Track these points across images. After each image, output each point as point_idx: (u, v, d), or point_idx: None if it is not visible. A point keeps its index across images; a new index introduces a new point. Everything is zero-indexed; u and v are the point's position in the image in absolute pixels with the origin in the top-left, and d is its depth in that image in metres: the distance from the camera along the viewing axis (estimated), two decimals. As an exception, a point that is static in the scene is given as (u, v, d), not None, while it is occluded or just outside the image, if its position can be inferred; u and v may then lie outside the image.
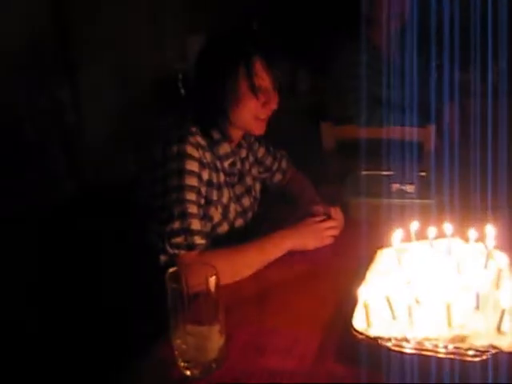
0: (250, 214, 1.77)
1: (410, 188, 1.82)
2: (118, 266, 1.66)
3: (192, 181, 1.46)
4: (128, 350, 1.20)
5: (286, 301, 1.30)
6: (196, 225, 1.43)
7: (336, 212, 1.66)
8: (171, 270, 1.05)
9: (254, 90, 1.53)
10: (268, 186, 1.97)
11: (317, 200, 1.78)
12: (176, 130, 1.54)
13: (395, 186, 1.83)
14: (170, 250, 1.39)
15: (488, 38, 2.02)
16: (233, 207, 1.66)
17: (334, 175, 2.28)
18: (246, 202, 1.75)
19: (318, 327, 1.17)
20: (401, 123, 2.43)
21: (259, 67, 1.53)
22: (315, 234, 1.56)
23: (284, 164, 1.98)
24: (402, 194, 1.81)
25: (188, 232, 1.40)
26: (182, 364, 1.05)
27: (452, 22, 2.10)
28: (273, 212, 1.88)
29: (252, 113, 1.56)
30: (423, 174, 1.95)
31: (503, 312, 1.00)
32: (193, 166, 1.48)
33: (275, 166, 1.95)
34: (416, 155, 2.05)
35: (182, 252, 1.39)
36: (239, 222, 1.70)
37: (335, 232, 1.60)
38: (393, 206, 1.70)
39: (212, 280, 1.02)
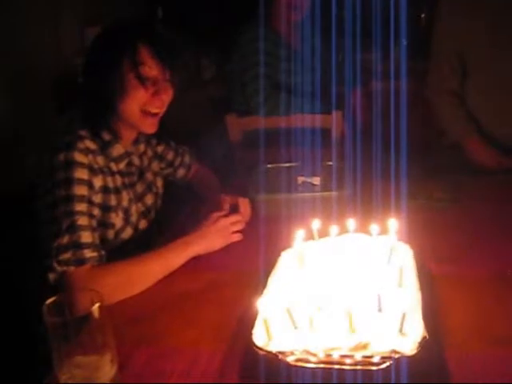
0: (153, 213, 1.69)
1: (315, 180, 1.78)
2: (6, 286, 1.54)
3: (81, 190, 1.36)
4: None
5: (185, 316, 1.22)
6: (86, 237, 1.33)
7: (244, 204, 1.63)
8: (48, 301, 0.95)
9: (141, 80, 1.43)
10: (171, 181, 1.89)
11: (221, 195, 1.71)
12: (63, 135, 1.43)
13: (300, 179, 1.79)
14: (58, 268, 1.29)
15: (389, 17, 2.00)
16: (134, 209, 1.58)
17: (241, 168, 2.23)
18: (149, 199, 1.67)
19: (221, 344, 1.10)
20: (306, 111, 2.40)
21: (146, 56, 1.44)
22: (220, 233, 1.50)
23: (187, 159, 1.91)
24: (308, 186, 1.78)
25: (77, 246, 1.30)
26: (72, 400, 0.96)
27: (354, 3, 2.07)
28: (178, 209, 1.81)
29: (140, 105, 1.46)
30: (329, 163, 1.92)
31: (404, 314, 0.96)
32: (82, 173, 1.38)
33: (177, 161, 1.88)
34: (322, 144, 2.03)
35: (72, 268, 1.29)
36: (143, 224, 1.62)
37: (241, 226, 1.55)
38: (298, 199, 1.66)
39: (96, 308, 0.93)
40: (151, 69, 1.45)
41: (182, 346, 1.12)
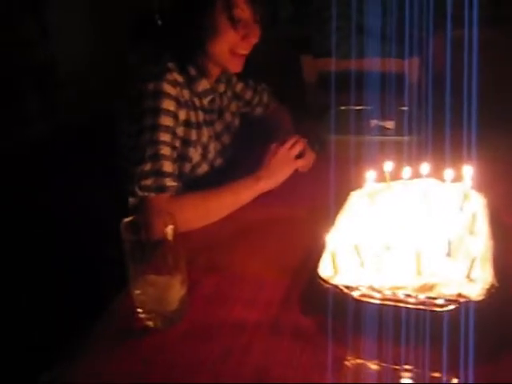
0: (229, 152, 1.71)
1: (389, 124, 1.76)
2: (86, 209, 1.61)
3: (167, 121, 1.39)
4: (97, 299, 1.15)
5: (254, 246, 1.26)
6: (168, 167, 1.36)
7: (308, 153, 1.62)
8: (126, 219, 0.99)
9: (234, 22, 1.44)
10: (249, 120, 1.90)
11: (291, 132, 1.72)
12: (152, 66, 1.46)
13: (374, 122, 1.77)
14: (140, 193, 1.33)
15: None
16: (212, 146, 1.60)
17: (314, 109, 2.22)
18: (226, 139, 1.69)
19: (286, 275, 1.13)
20: (384, 55, 2.34)
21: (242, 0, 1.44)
22: (282, 162, 1.50)
23: (265, 98, 1.92)
24: (381, 130, 1.75)
25: (159, 174, 1.34)
26: (143, 315, 1.02)
27: None
28: (253, 150, 1.82)
29: (230, 46, 1.48)
30: (404, 108, 1.89)
31: (473, 259, 0.95)
32: (169, 104, 1.40)
33: (256, 100, 1.88)
34: (397, 89, 1.98)
35: (152, 195, 1.33)
36: (219, 162, 1.65)
37: (300, 147, 1.55)
38: (370, 142, 1.64)
39: (170, 229, 0.97)
40: (243, 11, 1.45)
41: (248, 275, 1.15)
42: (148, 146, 1.36)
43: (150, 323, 1.02)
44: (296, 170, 1.54)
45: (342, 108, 1.91)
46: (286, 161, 1.51)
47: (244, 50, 1.50)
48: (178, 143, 1.44)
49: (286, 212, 1.40)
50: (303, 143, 1.56)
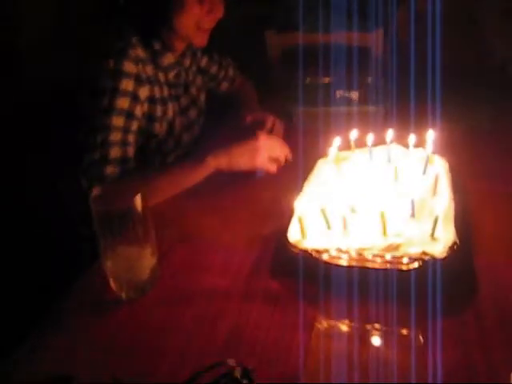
0: (196, 127, 1.71)
1: (354, 95, 1.78)
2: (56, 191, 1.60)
3: (124, 103, 1.38)
4: (61, 278, 1.16)
5: (224, 215, 1.27)
6: (115, 152, 1.35)
7: (274, 122, 1.61)
8: (94, 192, 0.99)
9: None
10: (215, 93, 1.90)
11: (258, 110, 1.72)
12: (115, 41, 1.44)
13: (339, 93, 1.79)
14: (85, 184, 1.33)
15: None
16: (178, 121, 1.59)
17: (280, 84, 2.22)
18: (192, 114, 1.68)
19: (256, 242, 1.15)
20: (347, 28, 2.35)
21: None
22: (254, 153, 1.37)
23: (231, 72, 1.92)
24: (346, 100, 1.77)
25: (104, 161, 1.34)
26: (114, 286, 1.02)
27: None
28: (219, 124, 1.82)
29: (195, 21, 1.47)
30: (368, 80, 1.91)
31: (436, 219, 0.98)
32: (128, 84, 1.39)
33: (221, 75, 1.88)
34: (362, 61, 2.00)
35: (95, 184, 1.28)
36: (186, 137, 1.64)
37: (283, 155, 1.42)
38: (336, 113, 1.67)
39: (137, 199, 0.97)
40: None
41: (218, 245, 1.17)
42: (99, 131, 1.35)
43: (123, 294, 1.02)
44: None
45: (308, 81, 1.92)
46: (260, 155, 1.38)
47: (209, 24, 1.50)
48: (135, 125, 1.41)
49: (255, 182, 1.41)
50: (285, 156, 1.44)
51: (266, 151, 1.38)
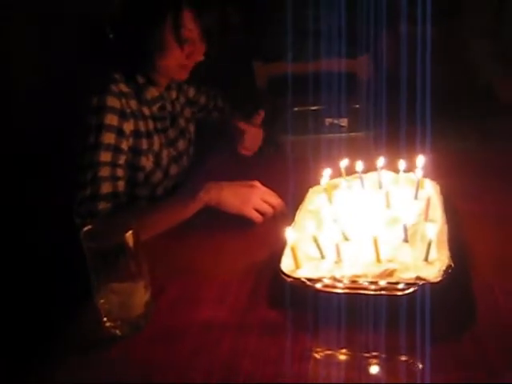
0: (185, 158, 1.72)
1: (342, 122, 1.80)
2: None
3: (109, 138, 1.39)
4: (55, 317, 1.14)
5: (216, 248, 1.27)
6: (106, 188, 1.36)
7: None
8: (85, 228, 0.99)
9: (180, 42, 1.46)
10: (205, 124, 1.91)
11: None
12: (98, 77, 1.46)
13: (328, 121, 1.81)
14: (78, 221, 1.32)
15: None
16: (165, 153, 1.60)
17: (267, 114, 2.24)
18: (181, 145, 1.69)
19: (251, 274, 1.14)
20: (332, 55, 2.38)
21: (188, 19, 1.46)
22: (245, 198, 1.34)
23: (220, 102, 1.94)
24: (335, 128, 1.79)
25: (95, 198, 1.34)
26: (108, 324, 1.01)
27: None
28: (208, 156, 1.83)
29: (177, 62, 1.50)
30: (357, 106, 1.93)
31: (430, 243, 0.98)
32: (112, 119, 1.40)
33: (211, 105, 1.91)
34: (348, 88, 2.02)
35: (88, 221, 1.30)
36: (174, 169, 1.64)
37: (268, 211, 1.36)
38: (325, 141, 1.68)
39: (129, 235, 0.97)
40: (191, 32, 1.47)
41: (213, 278, 1.16)
42: (88, 168, 1.35)
43: (117, 331, 1.01)
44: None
45: (296, 109, 1.95)
46: (250, 202, 1.34)
47: (189, 65, 1.53)
48: (122, 159, 1.42)
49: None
50: (273, 211, 1.37)
51: (257, 201, 1.35)
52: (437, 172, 1.34)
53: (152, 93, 1.56)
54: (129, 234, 0.97)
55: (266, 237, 1.26)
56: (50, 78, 2.33)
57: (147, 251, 1.02)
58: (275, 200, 1.37)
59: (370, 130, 1.68)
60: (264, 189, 1.38)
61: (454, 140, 1.73)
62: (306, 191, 1.34)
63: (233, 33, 3.21)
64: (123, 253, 0.98)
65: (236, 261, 1.21)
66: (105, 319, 1.01)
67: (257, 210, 1.35)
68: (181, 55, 1.48)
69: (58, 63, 2.40)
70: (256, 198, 1.35)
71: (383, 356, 0.92)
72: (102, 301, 1.00)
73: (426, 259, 0.99)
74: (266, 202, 1.36)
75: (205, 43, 1.52)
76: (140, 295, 1.01)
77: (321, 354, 0.94)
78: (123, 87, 1.47)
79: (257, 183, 1.38)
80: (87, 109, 1.40)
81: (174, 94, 1.70)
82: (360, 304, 0.96)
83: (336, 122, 1.79)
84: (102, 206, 1.34)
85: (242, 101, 2.21)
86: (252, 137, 1.77)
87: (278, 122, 1.86)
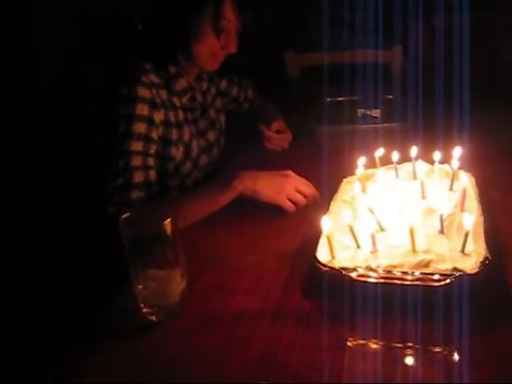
0: (215, 149, 1.73)
1: (375, 112, 1.79)
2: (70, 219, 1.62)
3: (140, 127, 1.40)
4: (92, 301, 1.17)
5: (252, 237, 1.28)
6: (139, 177, 1.38)
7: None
8: (124, 215, 1.00)
9: (217, 31, 1.48)
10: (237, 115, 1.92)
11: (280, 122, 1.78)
12: (129, 68, 1.47)
13: (360, 111, 1.81)
14: (111, 210, 1.34)
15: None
16: (195, 144, 1.61)
17: (300, 104, 2.24)
18: (211, 136, 1.70)
19: (284, 263, 1.15)
20: (367, 46, 2.37)
21: (228, 9, 1.47)
22: (279, 188, 1.36)
23: (250, 93, 1.94)
24: (368, 118, 1.78)
25: (128, 187, 1.36)
26: (145, 310, 1.03)
27: None
28: (239, 147, 1.84)
29: (210, 50, 1.51)
30: (390, 96, 1.92)
31: (467, 234, 0.98)
32: (143, 109, 1.41)
33: (242, 96, 1.91)
34: (382, 78, 2.01)
35: (122, 209, 1.32)
36: (204, 159, 1.66)
37: (301, 199, 1.38)
38: (359, 131, 1.67)
39: (167, 223, 0.98)
40: (229, 22, 1.48)
41: (247, 267, 1.17)
42: (120, 157, 1.37)
43: (153, 317, 1.03)
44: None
45: (329, 100, 1.94)
46: (283, 191, 1.36)
47: (222, 55, 1.54)
48: (153, 148, 1.44)
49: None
50: (306, 199, 1.39)
51: (291, 190, 1.37)
52: (472, 163, 1.33)
53: (182, 83, 1.57)
54: (167, 222, 0.98)
55: (300, 226, 1.27)
56: (79, 69, 2.35)
57: (183, 239, 1.03)
58: (309, 190, 1.38)
59: (403, 121, 1.67)
60: (298, 178, 1.39)
61: (489, 132, 1.70)
62: (340, 181, 1.34)
63: (266, 25, 3.23)
64: (161, 241, 0.99)
65: (270, 250, 1.22)
66: (142, 305, 1.03)
67: (290, 200, 1.36)
68: (216, 45, 1.49)
69: (88, 54, 2.43)
70: (290, 188, 1.36)
71: (419, 347, 0.92)
72: (140, 287, 1.02)
73: (463, 251, 0.98)
74: (299, 191, 1.37)
75: (239, 35, 1.53)
76: (176, 283, 1.03)
77: (355, 344, 0.95)
78: (153, 78, 1.48)
79: (290, 173, 1.39)
80: (118, 99, 1.41)
81: (205, 85, 1.70)
82: (396, 294, 0.96)
83: (369, 112, 1.78)
84: (136, 195, 1.36)
85: (272, 91, 2.22)
86: (277, 141, 1.78)
87: (312, 112, 1.85)
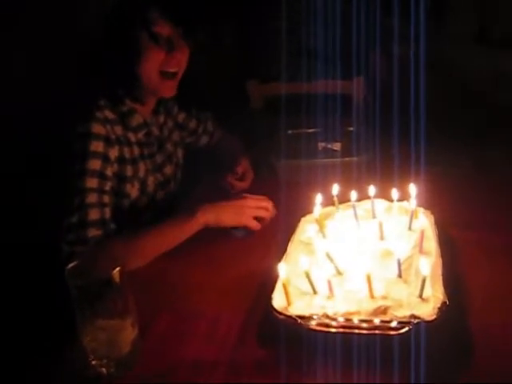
0: (172, 184, 1.69)
1: (335, 146, 1.78)
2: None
3: (95, 164, 1.37)
4: (39, 356, 1.12)
5: (207, 279, 1.24)
6: (94, 214, 1.34)
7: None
8: (71, 265, 0.96)
9: (154, 38, 1.43)
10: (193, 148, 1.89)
11: (244, 165, 1.74)
12: (83, 105, 1.45)
13: (321, 145, 1.79)
14: (66, 248, 1.30)
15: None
16: (151, 180, 1.58)
17: (262, 135, 2.22)
18: (168, 170, 1.67)
19: (241, 308, 1.11)
20: (327, 76, 2.38)
21: (156, 15, 1.44)
22: (239, 210, 1.41)
23: (210, 126, 1.91)
24: (329, 152, 1.77)
25: (84, 225, 1.32)
26: (95, 362, 0.98)
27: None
28: (197, 180, 1.81)
29: (157, 66, 1.46)
30: (350, 129, 1.92)
31: (424, 279, 0.96)
32: (98, 146, 1.39)
33: (200, 129, 1.88)
34: (343, 109, 2.01)
35: (78, 248, 1.29)
36: (160, 194, 1.63)
37: (265, 215, 1.44)
38: (319, 165, 1.66)
39: (116, 272, 0.94)
40: (163, 27, 1.44)
41: (202, 310, 1.13)
42: (75, 194, 1.34)
43: (103, 370, 0.98)
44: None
45: (290, 132, 1.93)
46: (244, 213, 1.42)
47: (172, 67, 1.48)
48: (108, 185, 1.41)
49: (239, 242, 1.39)
50: (269, 213, 1.45)
51: (252, 210, 1.43)
52: (431, 198, 1.32)
53: (138, 119, 1.54)
54: (116, 272, 0.94)
55: (255, 267, 1.23)
56: (37, 104, 2.30)
57: (133, 284, 0.99)
58: (268, 204, 1.45)
59: (363, 155, 1.66)
60: (254, 197, 1.46)
61: (447, 164, 1.71)
62: (299, 219, 1.32)
63: (228, 49, 3.21)
64: (110, 289, 0.95)
65: (225, 294, 1.18)
66: (91, 357, 0.98)
67: (254, 218, 1.42)
68: (159, 54, 1.45)
69: (45, 89, 2.37)
70: (250, 207, 1.43)
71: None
72: (88, 338, 0.97)
73: (421, 296, 0.96)
74: (259, 207, 1.43)
75: (186, 44, 1.49)
76: (128, 332, 0.98)
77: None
78: (108, 113, 1.45)
79: (246, 194, 1.47)
80: (73, 135, 1.38)
81: (161, 119, 1.67)
82: (353, 342, 0.93)
83: (329, 146, 1.77)
84: (92, 233, 1.32)
85: (234, 121, 2.20)
86: (242, 186, 1.73)
87: (272, 145, 1.84)
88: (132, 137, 1.52)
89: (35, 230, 1.68)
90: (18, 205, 1.82)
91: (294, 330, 0.96)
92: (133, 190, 1.51)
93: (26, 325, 1.49)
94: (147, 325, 1.07)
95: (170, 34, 1.45)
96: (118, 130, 1.47)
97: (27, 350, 1.39)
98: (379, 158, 1.61)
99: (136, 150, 1.53)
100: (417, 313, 0.93)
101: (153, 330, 1.08)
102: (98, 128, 1.39)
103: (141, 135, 1.55)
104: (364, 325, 0.93)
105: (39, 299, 1.49)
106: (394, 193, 1.28)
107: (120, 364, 0.98)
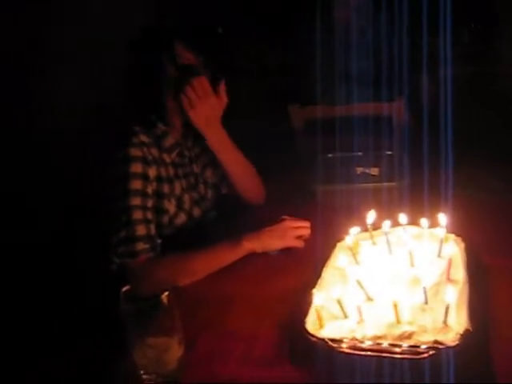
0: (207, 202, 1.82)
1: (374, 171, 1.84)
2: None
3: (137, 184, 1.51)
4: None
5: (246, 300, 1.33)
6: (141, 230, 1.48)
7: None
8: (124, 289, 1.06)
9: (180, 69, 1.59)
10: None
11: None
12: (121, 132, 1.60)
13: (359, 170, 1.85)
14: (116, 260, 1.46)
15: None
16: (187, 197, 1.71)
17: (304, 158, 2.30)
18: (202, 189, 1.80)
19: (276, 330, 1.20)
20: (368, 99, 2.43)
21: (181, 49, 1.59)
22: (281, 234, 1.54)
23: None
24: (366, 177, 1.83)
25: (132, 240, 1.46)
26: (145, 377, 1.08)
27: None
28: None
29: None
30: (390, 153, 1.97)
31: (448, 306, 1.02)
32: (137, 167, 1.53)
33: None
34: (386, 132, 2.06)
35: (127, 260, 1.45)
36: (197, 211, 1.75)
37: (305, 232, 1.57)
38: (356, 191, 1.72)
39: (164, 296, 1.04)
40: (188, 60, 1.60)
41: (241, 331, 1.22)
42: (121, 212, 1.48)
43: None
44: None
45: (329, 156, 2.00)
46: (286, 235, 1.54)
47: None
48: (151, 202, 1.55)
49: (274, 263, 1.50)
50: (309, 230, 1.58)
51: (294, 230, 1.55)
52: (462, 225, 1.36)
53: (169, 141, 1.67)
54: (164, 296, 1.04)
55: (291, 291, 1.31)
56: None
57: (180, 305, 1.09)
58: (305, 223, 1.57)
59: (399, 181, 1.72)
60: (291, 218, 1.58)
61: (481, 188, 1.74)
62: (334, 244, 1.39)
63: (271, 73, 3.28)
64: (159, 310, 1.05)
65: (262, 316, 1.26)
66: (142, 372, 1.08)
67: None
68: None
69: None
70: (290, 228, 1.55)
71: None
72: (138, 354, 1.07)
73: (445, 322, 1.03)
74: (300, 227, 1.56)
75: (208, 71, 1.63)
76: (174, 350, 1.07)
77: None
78: (144, 137, 1.59)
79: (284, 217, 1.58)
80: (113, 161, 1.53)
81: (189, 143, 1.79)
82: (383, 366, 1.00)
83: (367, 171, 1.83)
84: (141, 246, 1.46)
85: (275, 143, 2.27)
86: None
87: (312, 169, 1.91)
88: (167, 158, 1.66)
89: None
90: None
91: (326, 352, 1.04)
92: (170, 206, 1.64)
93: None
94: (190, 343, 1.16)
95: (194, 63, 1.61)
96: (154, 151, 1.61)
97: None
98: (412, 184, 1.66)
99: (171, 170, 1.66)
100: (440, 339, 0.99)
101: (195, 348, 1.17)
102: (135, 151, 1.54)
103: (174, 155, 1.69)
104: (394, 349, 1.00)
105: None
106: (424, 222, 1.34)
107: (167, 379, 1.08)
